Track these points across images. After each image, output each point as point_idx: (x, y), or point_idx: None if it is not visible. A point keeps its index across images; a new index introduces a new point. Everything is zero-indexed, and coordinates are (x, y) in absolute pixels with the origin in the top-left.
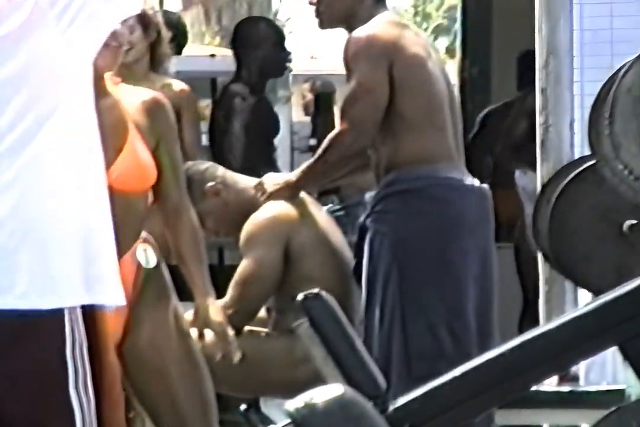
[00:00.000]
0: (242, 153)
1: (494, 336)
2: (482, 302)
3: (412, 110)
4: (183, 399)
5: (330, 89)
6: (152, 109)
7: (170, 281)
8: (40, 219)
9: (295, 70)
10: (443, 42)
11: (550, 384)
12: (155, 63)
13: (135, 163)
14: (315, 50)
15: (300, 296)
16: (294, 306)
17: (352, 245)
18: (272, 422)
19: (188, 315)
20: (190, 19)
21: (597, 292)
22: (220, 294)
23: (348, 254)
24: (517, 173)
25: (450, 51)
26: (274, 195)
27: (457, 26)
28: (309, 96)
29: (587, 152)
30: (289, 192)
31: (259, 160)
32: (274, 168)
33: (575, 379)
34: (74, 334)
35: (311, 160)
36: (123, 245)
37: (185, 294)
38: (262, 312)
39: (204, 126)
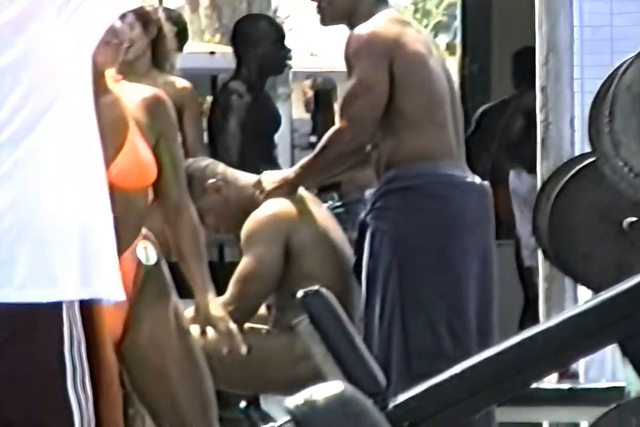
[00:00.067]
0: (239, 151)
1: (494, 334)
2: (482, 300)
3: (412, 107)
4: (183, 397)
5: (331, 86)
6: (153, 106)
7: (170, 278)
8: (39, 212)
9: (295, 67)
10: (443, 39)
11: (550, 382)
12: (157, 60)
13: (136, 160)
14: (315, 48)
15: (300, 293)
16: (294, 303)
17: (352, 242)
18: (272, 419)
19: (188, 312)
20: (190, 16)
21: (597, 290)
22: (220, 291)
23: (348, 251)
24: (512, 174)
25: (450, 48)
26: (272, 194)
27: (457, 23)
28: (310, 93)
29: (587, 149)
30: (287, 189)
31: (257, 158)
32: (274, 165)
33: (575, 376)
34: (72, 333)
35: (309, 156)
36: (123, 242)
37: (185, 292)
38: (263, 310)
39: (205, 123)
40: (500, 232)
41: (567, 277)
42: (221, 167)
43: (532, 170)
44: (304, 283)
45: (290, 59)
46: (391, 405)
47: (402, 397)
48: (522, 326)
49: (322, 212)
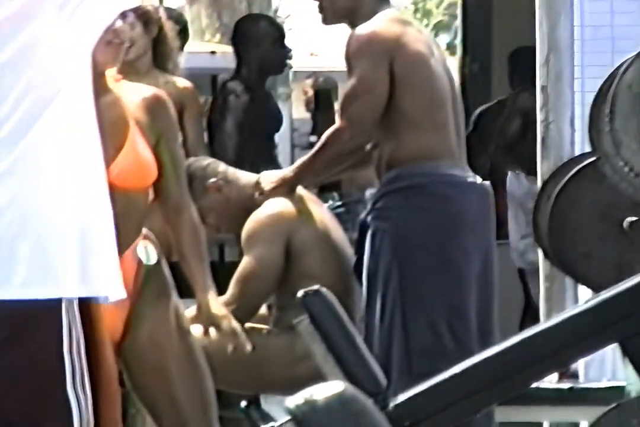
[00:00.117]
0: (235, 151)
1: (494, 333)
2: (483, 300)
3: (413, 107)
4: (183, 397)
5: (332, 85)
6: (153, 106)
7: (170, 278)
8: (39, 209)
9: (295, 67)
10: (444, 39)
11: (550, 381)
12: (158, 59)
13: (136, 160)
14: (315, 47)
15: (300, 293)
16: (294, 303)
17: (352, 242)
18: (272, 419)
19: (189, 312)
20: (191, 15)
21: (597, 289)
22: (221, 291)
23: (349, 251)
24: (510, 175)
25: (450, 48)
26: (271, 194)
27: (458, 23)
28: (311, 92)
29: (588, 149)
30: (285, 188)
31: (255, 157)
32: (274, 165)
33: (575, 376)
34: (71, 332)
35: (308, 156)
36: (124, 242)
37: (185, 291)
38: (263, 309)
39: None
40: (500, 233)
41: (568, 277)
42: (222, 167)
43: (530, 171)
44: (305, 283)
45: (290, 58)
46: (391, 405)
47: (402, 397)
48: (522, 326)
49: (322, 212)
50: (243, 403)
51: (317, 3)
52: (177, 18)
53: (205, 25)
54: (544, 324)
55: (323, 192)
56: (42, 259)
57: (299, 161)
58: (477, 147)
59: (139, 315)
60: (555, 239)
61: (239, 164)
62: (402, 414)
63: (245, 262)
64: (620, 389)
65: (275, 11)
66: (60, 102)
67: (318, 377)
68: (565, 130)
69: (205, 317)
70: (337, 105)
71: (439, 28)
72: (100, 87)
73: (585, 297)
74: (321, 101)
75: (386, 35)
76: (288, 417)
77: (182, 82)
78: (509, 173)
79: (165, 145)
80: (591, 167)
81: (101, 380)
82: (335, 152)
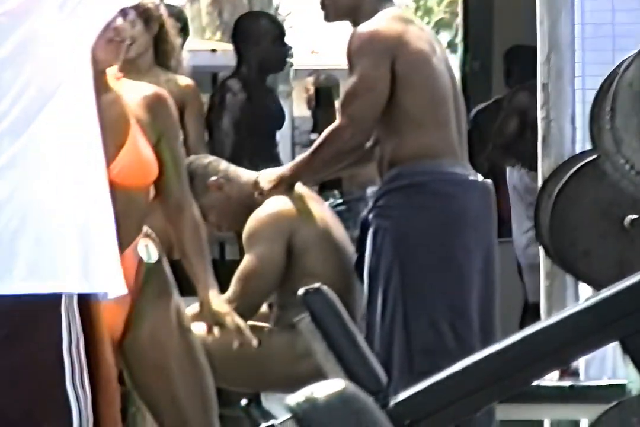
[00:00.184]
0: (232, 149)
1: (496, 331)
2: (484, 298)
3: (415, 105)
4: (183, 395)
5: (333, 83)
6: (154, 105)
7: (171, 276)
8: (39, 204)
9: (296, 65)
10: (444, 36)
11: (551, 379)
12: (160, 57)
13: (137, 159)
14: (316, 45)
15: (301, 291)
16: (296, 301)
17: (353, 240)
18: (273, 417)
19: (189, 310)
20: (191, 13)
21: (598, 287)
22: (221, 289)
23: (350, 249)
24: (508, 170)
25: (451, 46)
26: (270, 193)
27: (459, 21)
28: (313, 90)
29: (589, 147)
30: (284, 186)
31: (254, 156)
32: (274, 163)
33: (575, 374)
34: (71, 330)
35: (307, 153)
36: (124, 240)
37: (186, 289)
38: (264, 308)
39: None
40: (500, 231)
41: (568, 275)
42: (223, 165)
43: (531, 167)
44: (306, 281)
45: (290, 56)
46: (392, 403)
47: (403, 395)
48: (522, 324)
49: (324, 210)
50: (243, 401)
51: (320, 0)
52: (178, 15)
53: (205, 23)
54: (544, 322)
55: (324, 190)
56: (43, 253)
57: (297, 158)
58: (475, 146)
59: (140, 313)
60: (556, 237)
61: (236, 162)
62: (402, 412)
63: (246, 261)
64: (620, 387)
65: (276, 9)
66: (60, 97)
67: (319, 375)
68: (566, 128)
69: (209, 315)
70: (337, 103)
71: (439, 26)
72: (101, 86)
73: (585, 295)
74: (322, 99)
75: (388, 34)
76: (289, 415)
77: (184, 80)
78: (508, 168)
79: (166, 143)
80: (592, 165)
81: (100, 378)
82: (335, 150)
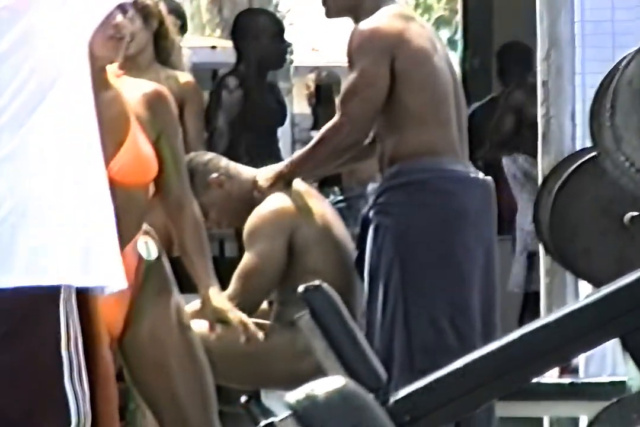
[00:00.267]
0: (228, 146)
1: (497, 329)
2: (485, 295)
3: (416, 102)
4: (183, 392)
5: (335, 80)
6: (154, 102)
7: (171, 273)
8: (39, 197)
9: (296, 62)
10: (444, 34)
11: (550, 376)
12: (160, 54)
13: (137, 156)
14: (316, 43)
15: (301, 288)
16: (296, 299)
17: (354, 237)
18: (273, 414)
19: (189, 307)
20: (191, 10)
21: (598, 284)
22: (222, 286)
23: (350, 247)
24: (505, 161)
25: (451, 43)
26: (269, 191)
27: (459, 18)
28: (314, 87)
29: (589, 144)
30: (282, 182)
31: (251, 153)
32: (276, 160)
33: (575, 371)
34: (69, 327)
35: (305, 149)
36: (124, 237)
37: (186, 286)
38: (264, 305)
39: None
40: (500, 228)
41: (568, 272)
42: (224, 162)
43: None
44: (306, 278)
45: (290, 53)
46: (392, 400)
47: (403, 392)
48: (521, 321)
49: (324, 207)
50: (243, 398)
51: None
52: (177, 11)
53: (205, 20)
54: (544, 319)
55: (324, 187)
56: (42, 248)
57: (295, 154)
58: (472, 144)
59: (140, 310)
60: (556, 234)
61: (231, 159)
62: (402, 409)
63: (247, 258)
64: (620, 384)
65: (276, 6)
66: (58, 92)
67: (319, 372)
68: (566, 125)
69: (210, 312)
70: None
71: (439, 23)
72: (100, 83)
73: (585, 292)
74: (322, 96)
75: (388, 31)
76: (288, 412)
77: (184, 77)
78: (504, 159)
79: (166, 141)
80: (592, 162)
81: (98, 375)
82: (333, 146)
